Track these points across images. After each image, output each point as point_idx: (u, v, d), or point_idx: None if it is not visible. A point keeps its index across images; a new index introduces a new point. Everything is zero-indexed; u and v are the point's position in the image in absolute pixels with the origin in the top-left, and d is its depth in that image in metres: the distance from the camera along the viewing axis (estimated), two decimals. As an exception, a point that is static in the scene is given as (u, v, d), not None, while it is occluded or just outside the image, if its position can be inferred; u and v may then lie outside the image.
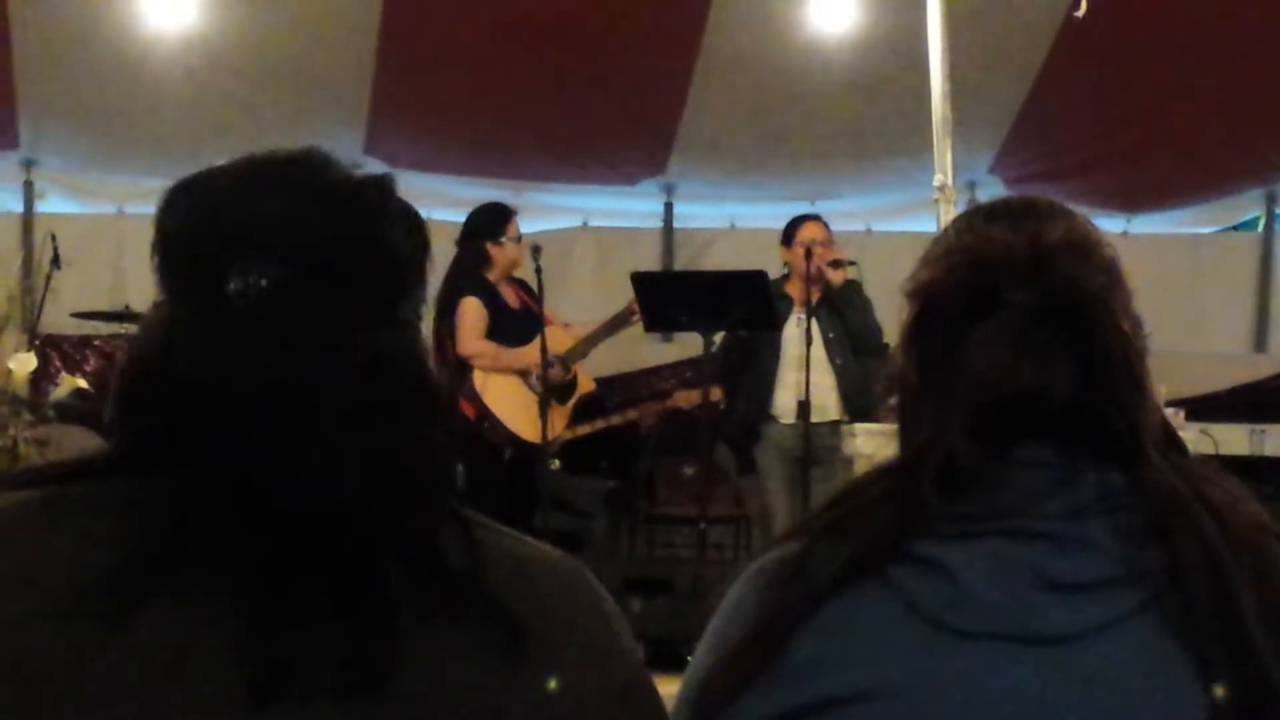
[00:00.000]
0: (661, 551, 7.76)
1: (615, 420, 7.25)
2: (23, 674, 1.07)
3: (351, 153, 1.34)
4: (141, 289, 1.25)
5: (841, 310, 6.45)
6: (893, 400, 1.36)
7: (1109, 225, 7.04)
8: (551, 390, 6.41)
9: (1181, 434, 1.39)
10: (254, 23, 7.49)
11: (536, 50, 7.55)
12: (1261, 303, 8.97)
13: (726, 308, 6.26)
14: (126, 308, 6.92)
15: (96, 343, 8.05)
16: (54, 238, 6.93)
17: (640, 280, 6.63)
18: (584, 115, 8.02)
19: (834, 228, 6.69)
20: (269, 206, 1.19)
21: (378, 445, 1.15)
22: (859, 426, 5.84)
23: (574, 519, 7.10)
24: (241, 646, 1.08)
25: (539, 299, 6.43)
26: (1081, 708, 1.19)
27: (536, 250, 6.30)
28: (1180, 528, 1.23)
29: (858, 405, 6.31)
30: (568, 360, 6.65)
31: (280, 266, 1.17)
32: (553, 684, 1.16)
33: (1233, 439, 5.89)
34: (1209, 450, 5.53)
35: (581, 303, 7.93)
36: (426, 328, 1.28)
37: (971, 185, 8.18)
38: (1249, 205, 9.19)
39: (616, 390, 8.16)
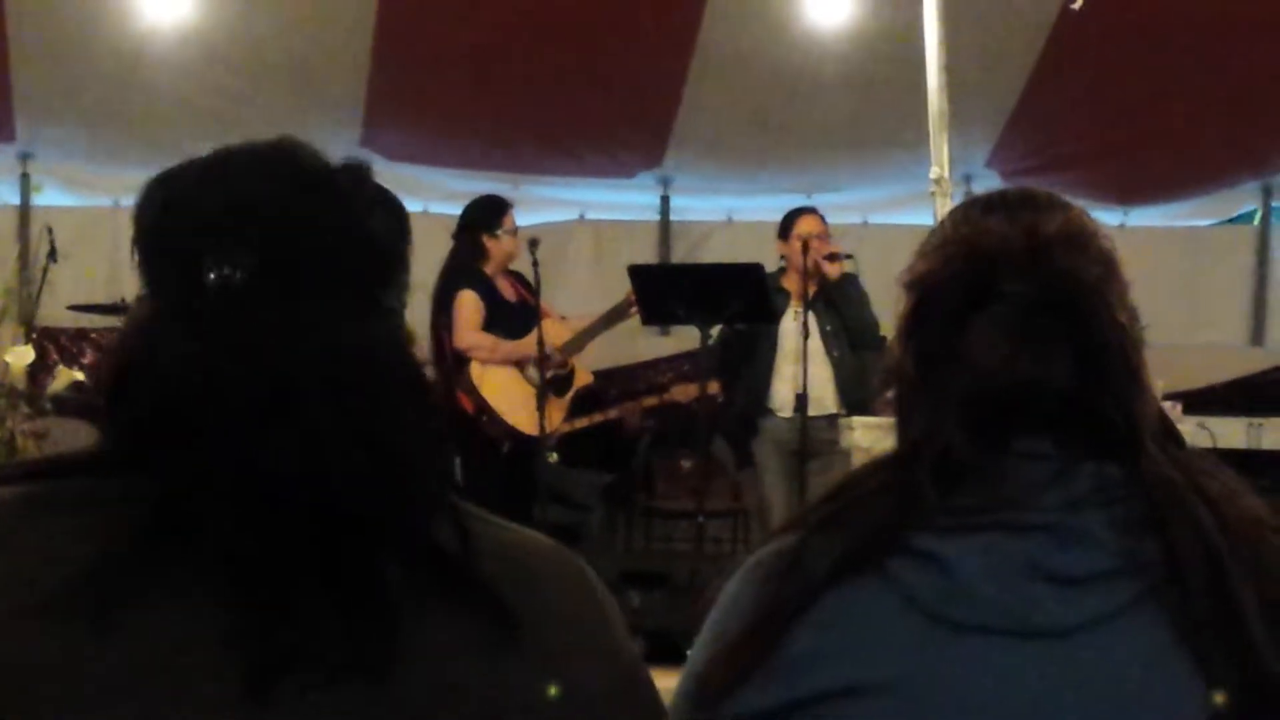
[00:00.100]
0: (659, 545, 7.76)
1: (611, 414, 7.25)
2: (20, 673, 1.07)
3: (348, 146, 1.33)
4: (138, 282, 1.24)
5: (838, 303, 6.44)
6: (889, 393, 1.36)
7: (1106, 218, 7.01)
8: (549, 383, 6.41)
9: (1179, 427, 1.39)
10: (250, 16, 7.47)
11: (533, 42, 7.53)
12: (1258, 296, 8.94)
13: (724, 301, 6.25)
14: (123, 300, 6.90)
15: (93, 335, 8.06)
16: (50, 231, 6.91)
17: (637, 273, 6.63)
18: (580, 108, 8.00)
19: (831, 221, 6.68)
20: (241, 195, 1.18)
21: (363, 434, 1.13)
22: (856, 420, 5.84)
23: (572, 512, 7.08)
24: (237, 642, 1.08)
25: (536, 292, 6.42)
26: (1079, 701, 1.19)
27: (533, 243, 6.30)
28: (1177, 519, 1.23)
29: (855, 398, 6.30)
30: (565, 353, 6.65)
31: (255, 254, 1.16)
32: (551, 682, 1.15)
33: (1230, 432, 5.86)
34: (1206, 444, 5.51)
35: (578, 295, 7.93)
36: (415, 316, 1.27)
37: (968, 178, 8.16)
38: (1246, 198, 9.17)
39: (614, 383, 8.16)
